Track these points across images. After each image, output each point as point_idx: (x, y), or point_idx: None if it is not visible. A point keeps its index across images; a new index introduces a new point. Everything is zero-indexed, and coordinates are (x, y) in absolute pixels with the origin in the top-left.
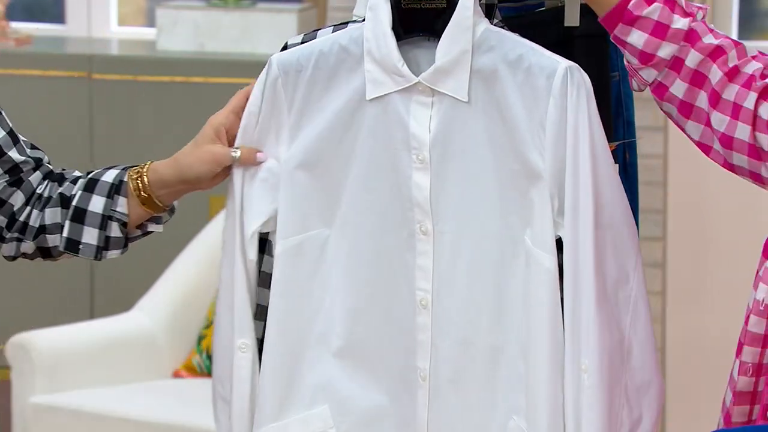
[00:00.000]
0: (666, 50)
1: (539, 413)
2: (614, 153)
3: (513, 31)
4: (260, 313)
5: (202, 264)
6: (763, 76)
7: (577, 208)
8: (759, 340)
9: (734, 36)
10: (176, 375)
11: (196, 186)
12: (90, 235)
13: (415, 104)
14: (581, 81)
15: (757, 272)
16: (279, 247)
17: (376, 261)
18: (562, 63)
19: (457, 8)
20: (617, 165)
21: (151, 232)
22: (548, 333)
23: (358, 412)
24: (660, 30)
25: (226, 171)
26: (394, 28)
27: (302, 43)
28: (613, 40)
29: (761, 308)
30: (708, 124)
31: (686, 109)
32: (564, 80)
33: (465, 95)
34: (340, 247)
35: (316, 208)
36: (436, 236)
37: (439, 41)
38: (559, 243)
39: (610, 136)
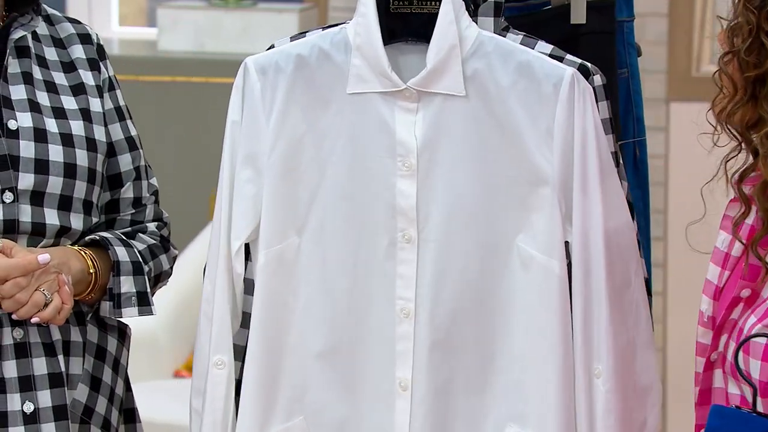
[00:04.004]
0: None
1: (551, 421)
2: (624, 150)
3: (518, 29)
4: (245, 321)
5: (202, 264)
6: None
7: (587, 213)
8: (706, 350)
9: None
10: (177, 375)
11: None
12: None
13: (399, 110)
14: (585, 86)
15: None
16: (261, 258)
17: (352, 270)
18: (568, 69)
19: (440, 8)
20: (624, 163)
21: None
22: (561, 339)
23: (332, 422)
24: None
25: None
26: (381, 32)
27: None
28: None
29: (705, 320)
30: None
31: None
32: (571, 87)
33: (462, 89)
34: (313, 256)
35: (291, 215)
36: (420, 244)
37: (428, 46)
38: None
39: (619, 133)
